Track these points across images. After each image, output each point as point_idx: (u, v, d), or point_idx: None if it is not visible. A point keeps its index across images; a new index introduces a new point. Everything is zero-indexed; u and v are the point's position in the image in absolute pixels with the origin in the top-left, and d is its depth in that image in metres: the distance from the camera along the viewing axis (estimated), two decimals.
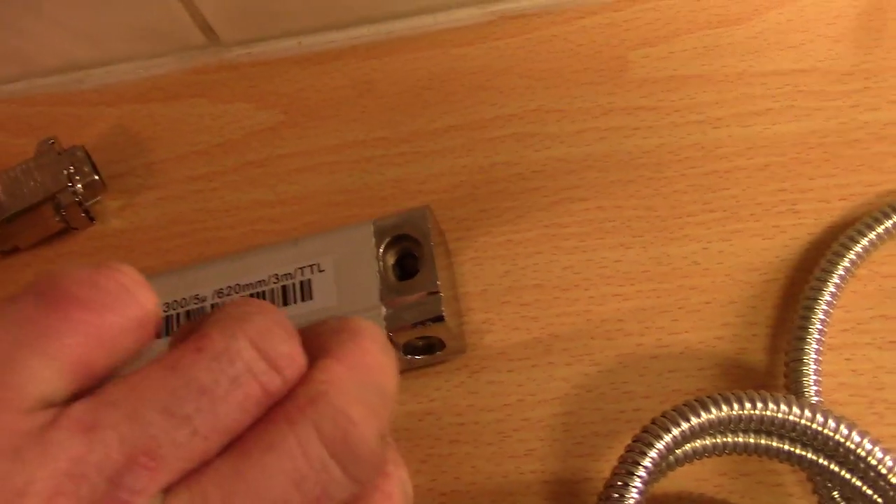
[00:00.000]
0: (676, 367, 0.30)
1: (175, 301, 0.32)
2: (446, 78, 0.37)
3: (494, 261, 0.33)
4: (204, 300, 0.31)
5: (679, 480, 0.28)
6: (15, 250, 0.38)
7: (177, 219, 0.37)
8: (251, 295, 0.31)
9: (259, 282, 0.31)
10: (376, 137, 0.37)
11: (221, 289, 0.31)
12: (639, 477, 0.24)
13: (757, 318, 0.31)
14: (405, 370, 0.32)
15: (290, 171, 0.37)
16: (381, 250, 0.31)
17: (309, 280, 0.31)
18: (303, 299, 0.31)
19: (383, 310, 0.30)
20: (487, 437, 0.31)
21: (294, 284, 0.31)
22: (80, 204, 0.37)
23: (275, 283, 0.31)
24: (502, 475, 0.30)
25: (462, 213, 0.34)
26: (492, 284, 0.33)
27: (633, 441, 0.25)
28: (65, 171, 0.37)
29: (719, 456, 0.27)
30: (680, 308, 0.31)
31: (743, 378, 0.30)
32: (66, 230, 0.38)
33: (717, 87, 0.35)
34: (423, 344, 0.31)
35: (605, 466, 0.29)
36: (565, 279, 0.32)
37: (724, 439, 0.26)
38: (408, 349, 0.31)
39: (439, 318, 0.29)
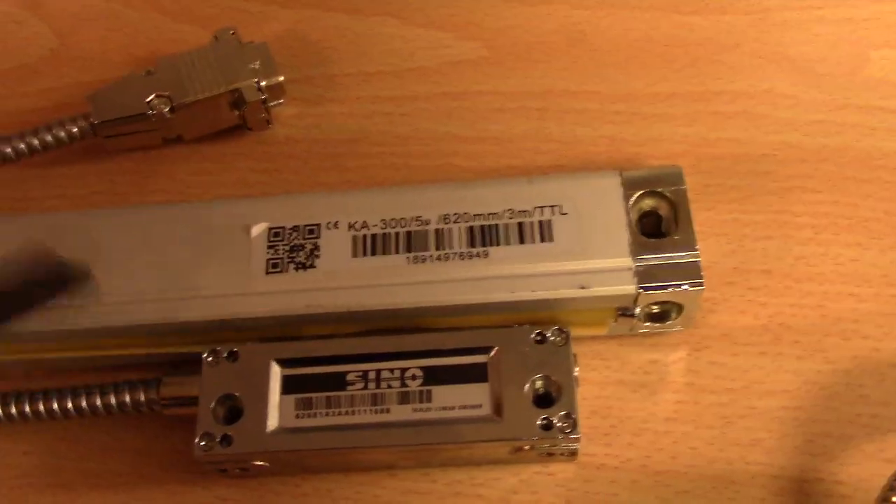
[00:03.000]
0: None
1: (394, 219, 0.29)
2: (668, 43, 0.35)
3: (719, 238, 0.31)
4: (427, 223, 0.29)
5: None
6: (178, 140, 0.35)
7: (360, 138, 0.35)
8: (481, 227, 0.29)
9: (492, 214, 0.29)
10: (589, 91, 0.35)
11: (448, 214, 0.29)
12: None
13: None
14: (620, 335, 0.30)
15: (492, 111, 0.35)
16: (629, 203, 0.29)
17: (549, 221, 0.28)
18: (542, 240, 0.28)
19: (634, 265, 0.28)
20: (708, 419, 0.29)
21: (532, 223, 0.28)
22: (263, 103, 0.34)
23: (510, 217, 0.29)
24: (725, 462, 0.28)
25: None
26: (716, 262, 0.31)
27: None
28: (250, 66, 0.34)
29: None
30: None
31: None
32: (238, 128, 0.35)
33: None
34: (659, 311, 0.29)
35: (840, 469, 0.27)
36: (798, 269, 0.31)
37: None
38: (639, 313, 0.28)
39: (698, 283, 0.27)
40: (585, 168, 0.33)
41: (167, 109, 0.33)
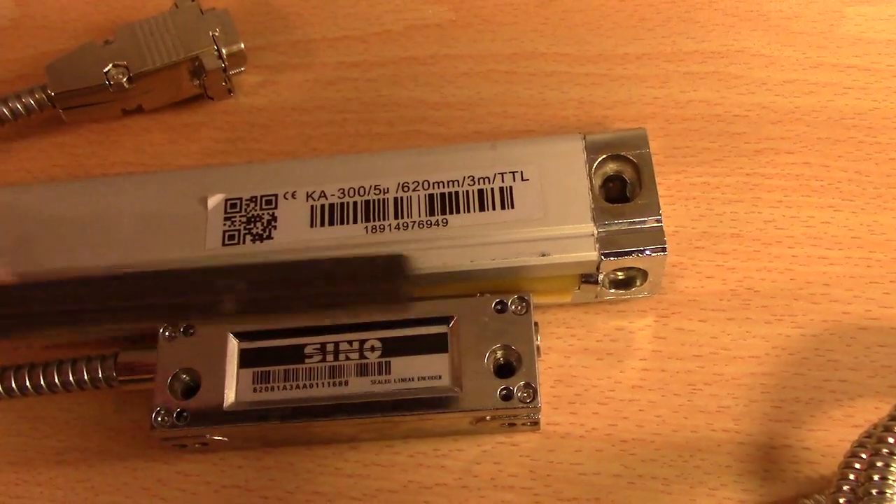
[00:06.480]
0: (887, 343, 0.28)
1: (352, 188, 0.28)
2: (640, 2, 0.35)
3: (688, 202, 0.31)
4: (386, 192, 0.28)
5: None
6: (138, 110, 0.34)
7: (325, 105, 0.34)
8: (441, 195, 0.28)
9: (452, 181, 0.28)
10: (559, 53, 0.34)
11: (407, 182, 0.28)
12: None
13: None
14: (585, 303, 0.29)
15: (459, 75, 0.34)
16: (592, 167, 0.28)
17: (510, 187, 0.28)
18: (502, 207, 0.28)
19: (595, 231, 0.27)
20: (675, 387, 0.28)
21: (492, 189, 0.28)
22: (224, 71, 0.33)
23: (470, 184, 0.28)
24: (691, 429, 0.28)
25: (653, 148, 0.31)
26: (684, 227, 0.30)
27: None
28: (210, 33, 0.33)
29: None
30: (892, 281, 0.29)
31: None
32: (199, 98, 0.34)
33: None
34: (623, 277, 0.28)
35: (807, 435, 0.27)
36: (767, 233, 0.30)
37: None
38: (603, 280, 0.28)
39: (662, 248, 0.27)
40: (554, 132, 0.32)
41: (125, 79, 0.33)
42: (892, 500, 0.21)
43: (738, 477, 0.27)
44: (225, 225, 0.28)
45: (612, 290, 0.28)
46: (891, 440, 0.22)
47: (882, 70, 0.32)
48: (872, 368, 0.28)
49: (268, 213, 0.28)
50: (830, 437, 0.27)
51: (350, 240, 0.27)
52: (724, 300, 0.29)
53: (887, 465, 0.22)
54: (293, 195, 0.28)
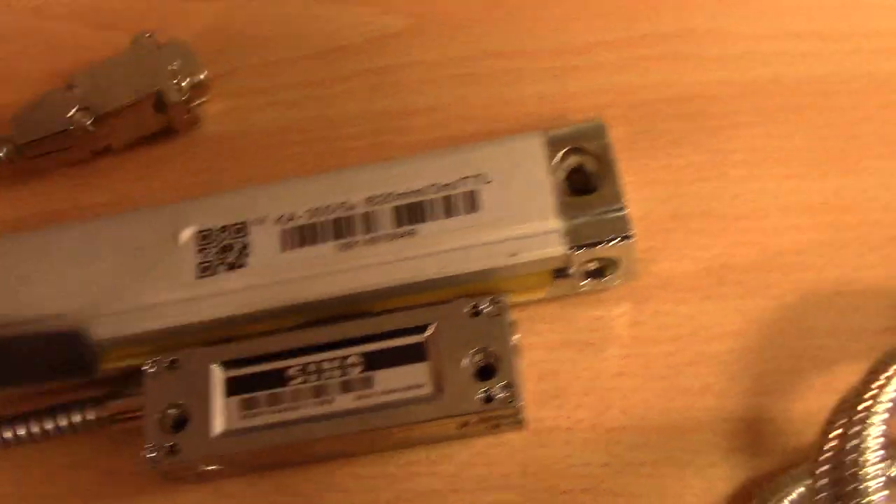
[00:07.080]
0: (862, 305, 0.28)
1: (320, 208, 0.29)
2: None
3: (655, 185, 0.31)
4: (353, 208, 0.29)
5: None
6: (107, 150, 0.34)
7: (291, 126, 0.34)
8: (407, 205, 0.28)
9: (417, 191, 0.28)
10: (515, 50, 0.34)
11: (374, 196, 0.29)
12: None
13: None
14: (563, 296, 0.29)
15: (419, 82, 0.34)
16: (554, 163, 0.28)
17: (474, 191, 0.28)
18: (468, 211, 0.28)
19: (561, 225, 0.27)
20: (657, 370, 0.28)
21: (457, 195, 0.28)
22: (186, 103, 0.34)
23: (435, 193, 0.28)
24: (676, 411, 0.28)
25: (616, 135, 0.31)
26: (653, 210, 0.31)
27: None
28: (169, 67, 0.33)
29: None
30: (863, 244, 0.29)
31: None
32: (166, 132, 0.35)
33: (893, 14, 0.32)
34: (595, 268, 0.28)
35: (791, 406, 0.27)
36: (736, 207, 0.30)
37: None
38: (576, 272, 0.28)
39: (628, 236, 0.27)
40: (518, 130, 0.33)
41: (89, 122, 0.33)
42: (869, 465, 0.22)
43: (727, 454, 0.27)
44: (198, 257, 0.28)
45: (587, 281, 0.29)
46: (864, 405, 0.22)
47: (834, 34, 0.33)
48: (850, 332, 0.28)
49: (240, 241, 0.29)
50: (811, 405, 0.27)
51: (321, 259, 0.28)
52: (699, 279, 0.29)
53: (863, 430, 0.22)
54: (263, 221, 0.29)
